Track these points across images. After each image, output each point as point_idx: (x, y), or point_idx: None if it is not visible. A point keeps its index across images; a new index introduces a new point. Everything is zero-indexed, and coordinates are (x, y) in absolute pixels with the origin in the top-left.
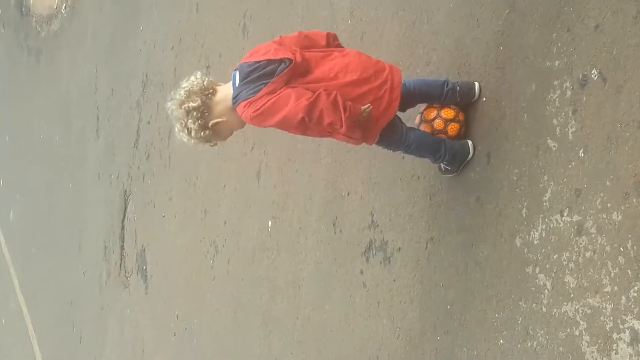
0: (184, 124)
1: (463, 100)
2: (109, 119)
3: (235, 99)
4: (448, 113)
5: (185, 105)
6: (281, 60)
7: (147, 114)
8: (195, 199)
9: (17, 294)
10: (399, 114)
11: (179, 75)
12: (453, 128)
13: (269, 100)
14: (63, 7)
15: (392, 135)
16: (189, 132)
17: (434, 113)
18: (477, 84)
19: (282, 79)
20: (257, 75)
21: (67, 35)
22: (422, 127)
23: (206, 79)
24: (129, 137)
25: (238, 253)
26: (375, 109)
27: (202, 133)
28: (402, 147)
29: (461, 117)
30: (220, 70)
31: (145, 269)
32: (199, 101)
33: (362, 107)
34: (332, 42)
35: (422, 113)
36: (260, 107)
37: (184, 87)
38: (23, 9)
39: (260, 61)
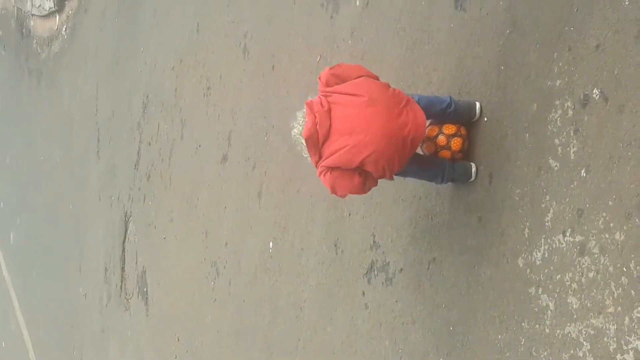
0: (306, 153)
1: (464, 119)
2: (110, 140)
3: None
4: (449, 129)
5: (302, 141)
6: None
7: (147, 135)
8: (196, 220)
9: (17, 316)
10: None
11: (180, 95)
12: (456, 143)
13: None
14: (64, 29)
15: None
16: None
17: (435, 130)
18: (477, 104)
19: (312, 153)
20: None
21: (68, 57)
22: (425, 145)
23: None
24: (129, 158)
25: (239, 274)
26: (400, 160)
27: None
28: (400, 174)
29: (463, 131)
30: (221, 91)
31: (146, 290)
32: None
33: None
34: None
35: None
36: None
37: (297, 125)
38: (24, 30)
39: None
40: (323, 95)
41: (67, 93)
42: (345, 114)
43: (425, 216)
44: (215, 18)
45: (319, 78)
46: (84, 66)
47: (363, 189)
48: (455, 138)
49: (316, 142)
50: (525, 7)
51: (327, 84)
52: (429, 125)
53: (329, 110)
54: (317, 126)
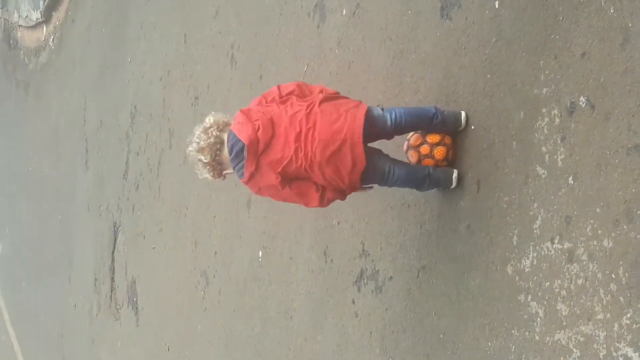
0: (201, 172)
1: (450, 129)
2: (98, 151)
3: (234, 170)
4: (433, 138)
5: (199, 157)
6: (243, 142)
7: (136, 145)
8: (185, 230)
9: (7, 327)
10: (386, 142)
11: (168, 106)
12: (439, 152)
13: (258, 187)
14: (51, 40)
15: (373, 179)
16: (208, 177)
17: (419, 139)
18: (463, 113)
19: (250, 162)
20: (235, 154)
21: (55, 68)
22: (410, 154)
23: (214, 131)
24: (118, 169)
25: (229, 284)
26: (344, 166)
27: (217, 179)
28: (387, 184)
29: (447, 140)
30: (209, 102)
31: (136, 300)
32: (209, 158)
33: None
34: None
35: (408, 140)
36: (256, 191)
37: (195, 141)
38: (11, 41)
39: (235, 136)
40: (261, 107)
41: (55, 104)
42: (282, 124)
43: (414, 224)
44: (202, 29)
45: (268, 93)
46: (72, 77)
47: (322, 201)
48: (439, 147)
49: (256, 150)
50: (511, 16)
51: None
52: (412, 135)
53: (272, 120)
54: (259, 133)
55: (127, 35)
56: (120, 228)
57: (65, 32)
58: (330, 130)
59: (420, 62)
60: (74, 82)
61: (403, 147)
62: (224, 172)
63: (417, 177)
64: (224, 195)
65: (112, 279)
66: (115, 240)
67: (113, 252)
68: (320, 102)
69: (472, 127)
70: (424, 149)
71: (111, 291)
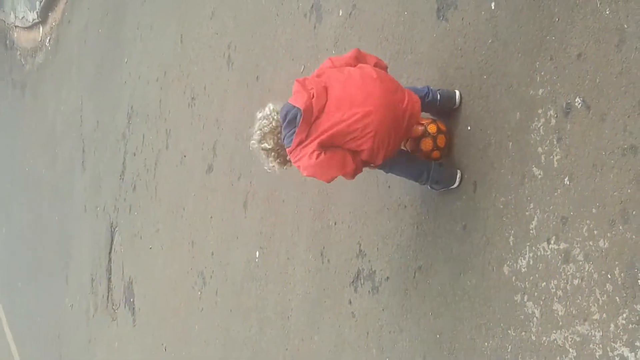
0: (267, 161)
1: (443, 108)
2: (95, 151)
3: (284, 141)
4: (415, 131)
5: (262, 146)
6: (299, 109)
7: (132, 146)
8: (182, 231)
9: (4, 329)
10: None
11: (164, 106)
12: (425, 144)
13: (299, 157)
14: (47, 40)
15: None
16: (275, 166)
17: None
18: (457, 92)
19: (302, 129)
20: (288, 121)
21: (52, 68)
22: (408, 144)
23: (274, 114)
24: (115, 169)
25: (226, 284)
26: (396, 135)
27: (285, 166)
28: (385, 168)
29: (431, 129)
30: (206, 102)
31: (133, 301)
32: (272, 143)
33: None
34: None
35: None
36: (296, 161)
37: (258, 127)
38: (7, 42)
39: (289, 104)
40: (316, 76)
41: (52, 104)
42: (341, 88)
43: (411, 225)
44: (199, 30)
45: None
46: (68, 77)
47: (355, 170)
48: (424, 139)
49: (310, 118)
50: (507, 17)
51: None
52: None
53: (326, 88)
54: (314, 100)
55: (124, 36)
56: (117, 228)
57: (62, 33)
58: (393, 98)
59: (416, 63)
60: (70, 83)
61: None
62: (288, 159)
63: (416, 169)
64: (221, 196)
65: (109, 280)
66: (112, 240)
67: (110, 252)
68: (376, 72)
69: (469, 128)
70: (410, 145)
71: (108, 291)
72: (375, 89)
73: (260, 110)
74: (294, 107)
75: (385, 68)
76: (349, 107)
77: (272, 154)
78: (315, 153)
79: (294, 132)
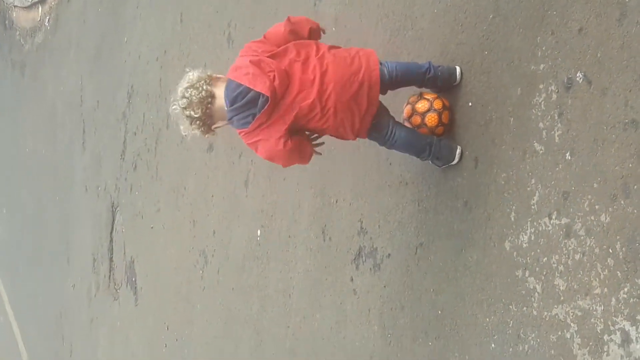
0: (189, 128)
1: (445, 85)
2: (95, 131)
3: (230, 120)
4: (422, 106)
5: (187, 113)
6: (259, 93)
7: (133, 125)
8: (183, 210)
9: (6, 308)
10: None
11: (165, 85)
12: (431, 119)
13: (257, 139)
14: (46, 20)
15: (377, 134)
16: (196, 133)
17: (410, 111)
18: (458, 68)
19: (265, 113)
20: (243, 103)
21: (51, 48)
22: (413, 119)
23: (203, 84)
24: (115, 149)
25: (228, 263)
26: (358, 108)
27: (206, 135)
28: (386, 144)
29: (437, 105)
30: None
31: (135, 280)
32: (200, 112)
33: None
34: (314, 34)
35: (411, 104)
36: (252, 142)
37: (184, 95)
38: (6, 22)
39: (242, 85)
40: (269, 57)
41: (51, 85)
42: (300, 70)
43: (412, 201)
44: (199, 8)
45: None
46: (68, 57)
47: (310, 156)
48: (429, 114)
49: (275, 103)
50: None
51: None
52: (405, 106)
53: (286, 70)
54: (276, 84)
55: (124, 15)
56: (118, 208)
57: (61, 12)
58: (347, 72)
59: (417, 39)
60: (70, 63)
61: (404, 114)
62: (214, 126)
63: (418, 144)
64: (222, 175)
65: (111, 259)
66: (113, 220)
67: (111, 232)
68: (330, 48)
69: (470, 104)
70: (415, 120)
71: (110, 271)
72: (330, 65)
73: (183, 76)
74: (251, 89)
75: (317, 26)
76: (309, 87)
77: (198, 122)
78: (282, 140)
79: (252, 115)
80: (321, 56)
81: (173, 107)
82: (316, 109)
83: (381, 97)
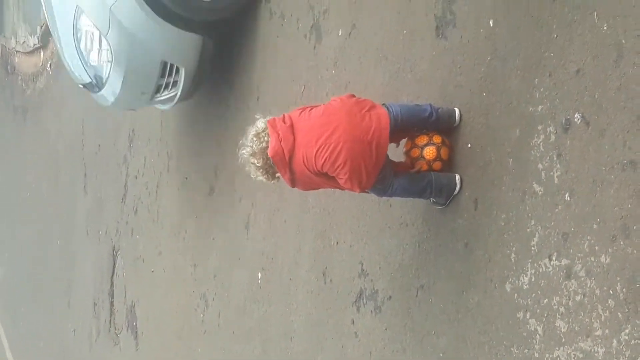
0: (255, 173)
1: (445, 126)
2: (97, 175)
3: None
4: (421, 139)
5: (252, 161)
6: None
7: (134, 169)
8: (184, 253)
9: (6, 354)
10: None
11: (166, 128)
12: (429, 152)
13: (303, 189)
14: (48, 65)
15: (378, 186)
16: (261, 179)
17: (409, 144)
18: (457, 110)
19: (283, 172)
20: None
21: (53, 92)
22: (403, 159)
23: (266, 135)
24: (116, 193)
25: (228, 306)
26: (365, 164)
27: (272, 181)
28: (386, 195)
29: (436, 139)
30: None
31: (136, 324)
32: (262, 162)
33: None
34: None
35: (411, 137)
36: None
37: (249, 145)
38: (8, 67)
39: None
40: (285, 114)
41: (53, 129)
42: (308, 125)
43: (413, 243)
44: None
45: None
46: (70, 101)
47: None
48: (428, 147)
49: (283, 159)
50: (506, 34)
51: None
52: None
53: (292, 126)
54: (281, 142)
55: None
56: (119, 252)
57: None
58: (357, 130)
59: (416, 81)
60: (71, 107)
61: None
62: (277, 174)
63: (418, 187)
64: (223, 217)
65: (112, 304)
66: (114, 264)
67: (112, 276)
68: (341, 103)
69: (469, 146)
70: (414, 152)
71: (110, 316)
72: (340, 124)
73: (252, 124)
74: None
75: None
76: (315, 143)
77: (261, 170)
78: (289, 184)
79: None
80: (330, 113)
81: (242, 152)
82: (324, 161)
83: None
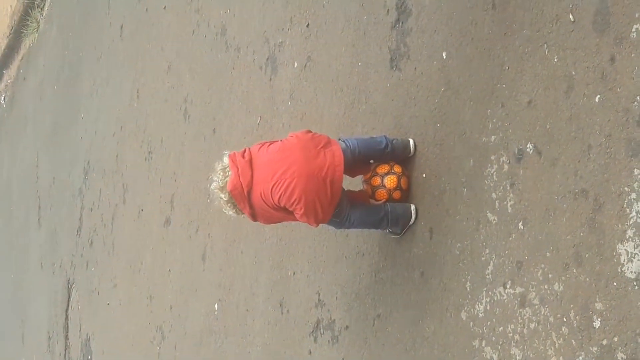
0: (224, 208)
1: (400, 156)
2: (51, 207)
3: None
4: (382, 168)
5: (220, 195)
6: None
7: (89, 201)
8: (140, 285)
9: None
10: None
11: (121, 161)
12: (390, 181)
13: (264, 222)
14: (2, 98)
15: (335, 219)
16: (231, 214)
17: (370, 173)
18: (412, 141)
19: (242, 206)
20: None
21: (7, 126)
22: (363, 187)
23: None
24: (71, 225)
25: (185, 338)
26: (320, 201)
27: (241, 215)
28: (344, 227)
29: (397, 169)
30: (163, 155)
31: (90, 358)
32: (228, 196)
33: None
34: None
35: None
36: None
37: (215, 180)
38: None
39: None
40: (247, 148)
41: (7, 161)
42: (265, 160)
43: (369, 273)
44: (155, 84)
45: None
46: (24, 134)
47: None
48: (389, 176)
49: (242, 193)
50: (458, 66)
51: None
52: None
53: (250, 160)
54: (240, 177)
55: (80, 92)
56: (74, 285)
57: (17, 90)
58: (311, 166)
59: (371, 113)
60: (26, 140)
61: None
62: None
63: (374, 219)
64: (179, 249)
65: (66, 337)
66: (69, 297)
67: (67, 309)
68: (297, 139)
69: (424, 175)
70: (375, 181)
71: (65, 350)
72: (295, 160)
73: (218, 161)
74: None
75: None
76: (271, 179)
77: (229, 204)
78: (250, 218)
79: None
80: (286, 149)
81: (211, 187)
82: (279, 197)
83: None
